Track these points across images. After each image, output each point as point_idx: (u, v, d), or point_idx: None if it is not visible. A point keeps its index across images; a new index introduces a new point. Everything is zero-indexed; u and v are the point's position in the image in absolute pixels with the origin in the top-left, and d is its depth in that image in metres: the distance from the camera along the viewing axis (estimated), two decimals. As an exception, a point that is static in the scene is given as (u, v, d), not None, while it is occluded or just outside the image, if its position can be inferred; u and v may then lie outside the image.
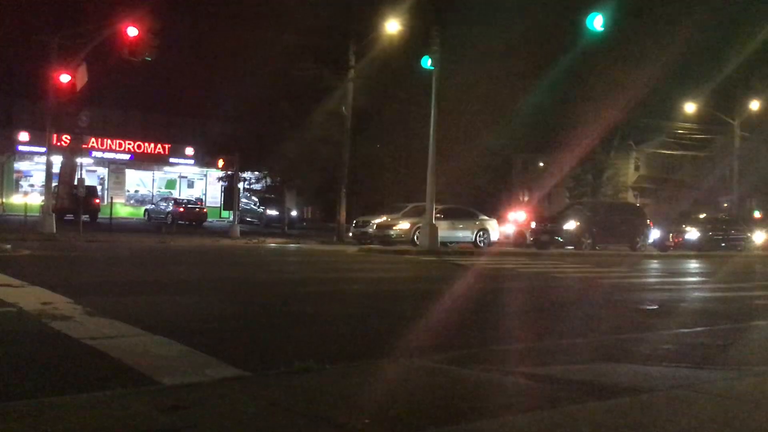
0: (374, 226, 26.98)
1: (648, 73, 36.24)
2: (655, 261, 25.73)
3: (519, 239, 30.47)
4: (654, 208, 48.31)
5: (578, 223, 28.40)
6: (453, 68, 28.77)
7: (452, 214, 27.21)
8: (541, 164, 59.47)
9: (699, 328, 8.62)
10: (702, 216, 36.75)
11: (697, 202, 46.45)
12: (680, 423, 4.18)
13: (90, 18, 24.43)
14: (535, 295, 12.80)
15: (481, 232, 28.14)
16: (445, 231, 26.25)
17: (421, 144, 27.24)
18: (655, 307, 11.31)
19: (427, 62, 25.25)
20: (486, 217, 29.08)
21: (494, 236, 28.59)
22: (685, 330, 8.50)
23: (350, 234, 29.11)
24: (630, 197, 52.68)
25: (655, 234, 31.75)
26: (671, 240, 31.98)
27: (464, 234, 27.82)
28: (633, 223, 30.41)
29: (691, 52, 38.64)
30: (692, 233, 32.58)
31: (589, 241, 28.11)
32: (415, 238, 25.86)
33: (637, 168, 56.37)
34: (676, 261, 26.16)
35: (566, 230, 28.28)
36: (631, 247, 29.46)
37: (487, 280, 15.21)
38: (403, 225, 26.32)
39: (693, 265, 24.36)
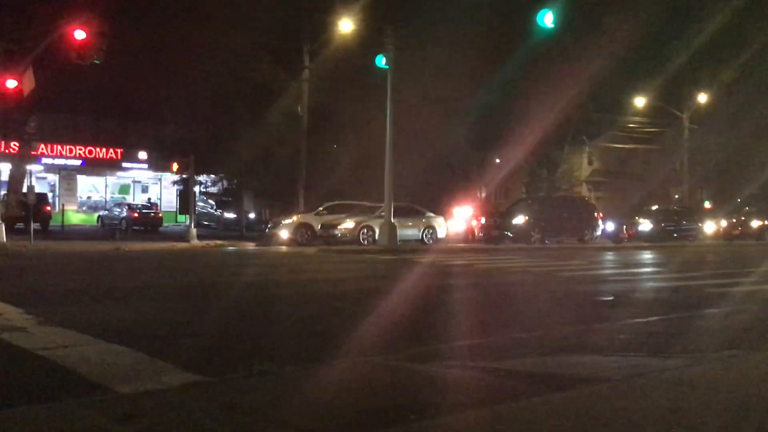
0: (284, 226, 26.77)
1: (599, 68, 36.83)
2: (609, 253, 26.17)
3: (468, 235, 30.52)
4: (608, 202, 49.17)
5: (526, 218, 28.73)
6: (408, 67, 28.84)
7: (399, 213, 26.89)
8: (498, 160, 60.03)
9: (653, 318, 8.80)
10: (654, 208, 37.55)
11: (649, 195, 47.35)
12: (636, 411, 4.25)
13: (36, 21, 23.76)
14: (493, 291, 12.90)
15: (428, 230, 27.92)
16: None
17: (378, 143, 27.26)
18: (610, 299, 11.50)
19: (381, 61, 25.29)
20: (432, 215, 28.85)
21: (441, 233, 28.31)
22: (640, 320, 8.67)
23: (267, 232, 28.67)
24: (585, 191, 53.47)
25: (608, 226, 32.30)
26: (624, 232, 32.58)
27: (412, 232, 27.62)
28: (581, 216, 30.87)
29: (640, 45, 39.44)
30: (645, 225, 33.27)
31: (537, 235, 28.44)
32: (361, 237, 25.80)
33: (590, 162, 57.22)
34: (629, 252, 26.65)
35: (515, 225, 28.60)
36: (580, 240, 29.86)
37: (444, 277, 15.28)
38: (348, 224, 26.13)
39: (646, 256, 24.85)
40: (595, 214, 31.74)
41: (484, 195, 61.62)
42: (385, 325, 8.18)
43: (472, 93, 36.42)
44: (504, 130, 39.29)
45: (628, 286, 13.61)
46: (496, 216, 30.76)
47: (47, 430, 3.78)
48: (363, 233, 25.92)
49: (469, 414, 4.09)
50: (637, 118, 46.95)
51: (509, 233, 28.58)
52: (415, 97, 31.70)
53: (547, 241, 28.74)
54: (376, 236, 25.77)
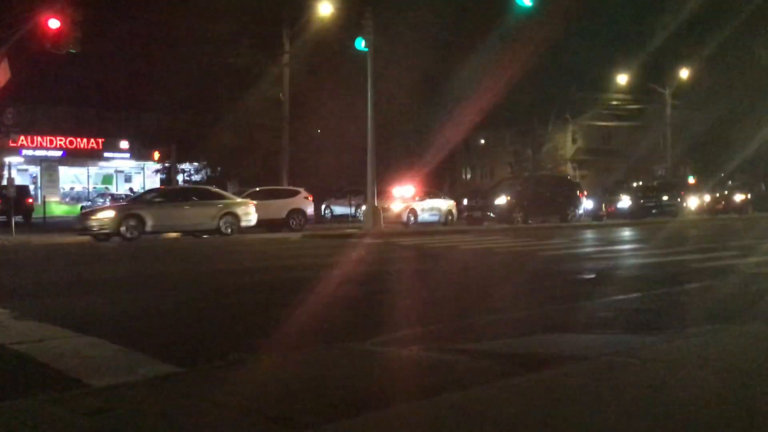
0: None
1: (581, 45, 36.81)
2: (590, 231, 26.22)
3: (407, 216, 28.73)
4: (593, 180, 49.35)
5: (508, 198, 28.73)
6: (388, 49, 28.70)
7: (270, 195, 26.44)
8: (482, 141, 60.08)
9: (634, 295, 8.81)
10: (634, 184, 37.70)
11: (633, 172, 47.59)
12: (614, 388, 4.23)
13: (9, 10, 23.39)
14: (475, 272, 12.90)
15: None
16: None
17: (360, 126, 27.13)
18: (592, 276, 11.53)
19: (361, 44, 25.10)
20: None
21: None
22: (621, 297, 8.68)
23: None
24: (569, 170, 53.67)
25: (588, 204, 32.35)
26: (604, 209, 32.68)
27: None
28: (564, 195, 30.89)
29: (622, 22, 39.45)
30: (624, 201, 33.38)
31: (520, 215, 28.48)
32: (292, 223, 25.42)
33: (574, 141, 57.41)
34: (610, 230, 26.73)
35: (497, 205, 28.61)
36: (562, 219, 29.89)
37: (429, 259, 15.27)
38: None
39: (627, 233, 24.95)
40: (578, 192, 31.78)
41: (468, 177, 61.60)
42: (364, 309, 8.15)
43: (452, 73, 36.30)
44: (488, 109, 39.26)
45: (609, 264, 13.66)
46: (478, 196, 30.80)
47: (12, 426, 3.71)
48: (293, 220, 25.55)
49: (442, 397, 4.06)
50: (620, 96, 47.06)
51: (492, 214, 28.61)
52: (396, 80, 31.57)
53: (530, 221, 28.79)
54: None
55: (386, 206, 27.63)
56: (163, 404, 4.11)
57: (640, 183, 39.24)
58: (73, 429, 3.63)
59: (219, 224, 22.29)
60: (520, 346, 5.66)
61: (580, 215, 31.15)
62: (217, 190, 25.33)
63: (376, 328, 6.68)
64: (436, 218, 29.77)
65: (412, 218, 28.86)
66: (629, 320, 6.92)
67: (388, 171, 31.87)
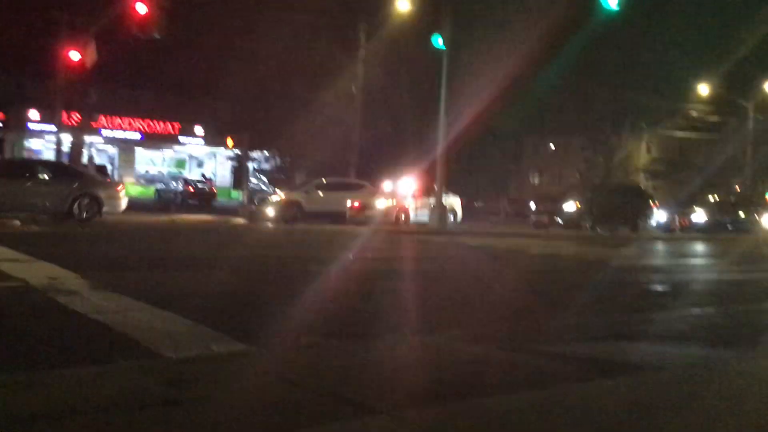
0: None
1: (662, 54, 35.86)
2: (662, 243, 25.52)
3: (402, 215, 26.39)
4: (666, 191, 48.00)
5: (578, 204, 28.15)
6: (464, 47, 28.54)
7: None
8: (552, 146, 59.23)
9: (710, 309, 8.52)
10: (710, 198, 36.47)
11: (709, 185, 46.05)
12: (695, 399, 4.10)
13: (99, -5, 24.24)
14: (543, 276, 12.71)
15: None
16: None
17: (431, 124, 27.06)
18: (665, 288, 11.21)
19: (437, 41, 25.03)
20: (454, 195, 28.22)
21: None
22: (696, 311, 8.40)
23: None
24: (642, 180, 52.36)
25: (661, 216, 31.49)
26: (677, 222, 31.76)
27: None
28: (635, 204, 30.06)
29: (706, 32, 38.24)
30: (699, 215, 32.34)
31: (589, 222, 27.89)
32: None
33: (649, 150, 55.97)
34: (683, 243, 25.94)
35: (565, 211, 28.05)
36: (633, 229, 29.16)
37: (495, 260, 15.13)
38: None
39: (700, 247, 24.16)
40: (650, 202, 30.98)
41: (536, 180, 60.81)
42: (442, 306, 8.13)
43: (529, 76, 35.84)
44: (561, 115, 38.67)
45: (682, 277, 13.25)
46: (547, 201, 30.30)
47: (99, 390, 3.83)
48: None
49: (510, 397, 4.01)
50: (699, 107, 45.62)
51: (559, 219, 28.12)
52: (470, 78, 31.36)
53: (598, 229, 28.21)
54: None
55: (370, 203, 25.44)
56: (239, 380, 4.18)
57: (716, 197, 37.93)
58: (155, 397, 3.72)
59: (73, 207, 19.21)
60: (593, 352, 5.54)
61: (651, 226, 30.35)
62: (75, 167, 22.64)
63: (447, 324, 6.66)
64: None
65: (403, 217, 26.17)
66: (706, 334, 6.68)
67: (453, 170, 31.66)
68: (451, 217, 26.67)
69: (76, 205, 19.17)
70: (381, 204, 25.52)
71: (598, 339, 6.19)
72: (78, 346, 5.42)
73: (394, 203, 25.95)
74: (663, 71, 39.18)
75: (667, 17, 37.24)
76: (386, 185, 27.29)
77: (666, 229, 31.18)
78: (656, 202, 31.80)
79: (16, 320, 6.28)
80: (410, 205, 26.52)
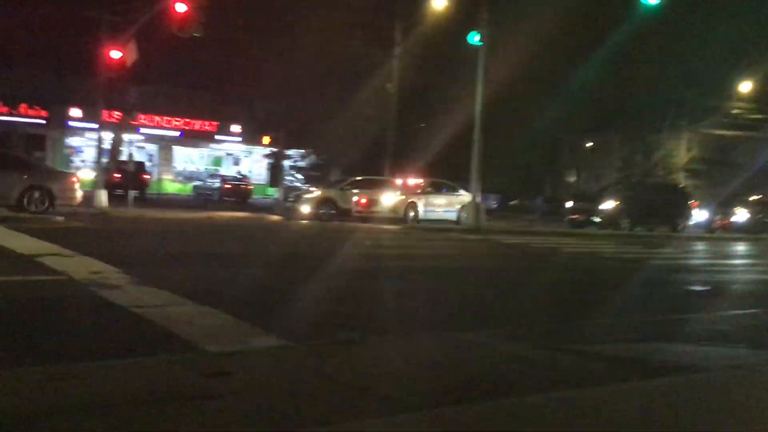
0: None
1: (703, 50, 35.16)
2: (702, 243, 25.09)
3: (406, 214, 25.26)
4: (706, 191, 47.07)
5: (616, 203, 27.79)
6: (501, 44, 28.29)
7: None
8: (589, 144, 58.48)
9: (754, 310, 8.35)
10: (752, 198, 35.69)
11: (750, 184, 45.05)
12: (738, 401, 4.02)
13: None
14: (581, 275, 12.58)
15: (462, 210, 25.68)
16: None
17: (467, 122, 26.90)
18: (706, 289, 11.01)
19: (474, 38, 24.88)
20: (465, 193, 26.38)
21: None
22: (740, 311, 8.24)
23: None
24: (681, 179, 51.45)
25: (701, 215, 30.98)
26: (718, 222, 31.21)
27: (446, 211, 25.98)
28: (675, 204, 29.58)
29: (749, 27, 37.37)
30: (740, 215, 31.72)
31: (627, 221, 27.52)
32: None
33: (689, 149, 54.92)
34: (724, 243, 25.48)
35: (603, 210, 27.70)
36: (672, 228, 28.71)
37: (532, 259, 15.03)
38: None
39: (742, 248, 23.71)
40: (690, 201, 30.47)
41: (573, 179, 60.16)
42: (480, 304, 8.10)
43: (566, 73, 35.46)
44: (598, 113, 38.19)
45: (724, 277, 13.01)
46: (583, 199, 29.96)
47: (141, 381, 3.90)
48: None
49: (548, 396, 3.97)
50: (743, 104, 44.62)
51: (597, 218, 27.79)
52: (507, 76, 31.13)
53: (636, 229, 27.82)
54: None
55: (375, 198, 24.88)
56: (277, 374, 4.22)
57: (759, 197, 37.10)
58: (198, 388, 3.77)
59: (22, 200, 18.13)
60: (632, 352, 5.47)
61: (691, 226, 29.86)
62: (27, 157, 21.61)
63: (485, 322, 6.64)
64: (451, 216, 26.08)
65: (411, 214, 25.20)
66: (749, 335, 6.55)
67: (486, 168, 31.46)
68: (464, 215, 25.89)
69: (26, 198, 18.16)
70: (390, 200, 25.18)
71: (637, 339, 6.12)
72: (119, 338, 5.52)
73: (406, 199, 25.42)
74: (704, 67, 38.37)
75: (709, 11, 36.46)
76: (399, 181, 26.99)
77: (706, 228, 30.66)
78: (696, 201, 31.27)
79: (60, 313, 6.42)
80: (421, 201, 25.87)
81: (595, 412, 3.73)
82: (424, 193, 26.23)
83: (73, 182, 19.51)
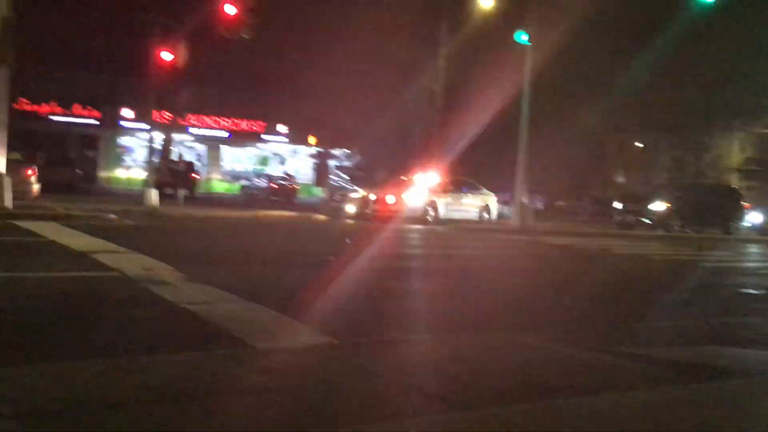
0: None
1: (758, 49, 34.23)
2: (755, 246, 24.44)
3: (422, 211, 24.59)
4: (761, 192, 45.87)
5: (667, 204, 27.26)
6: (548, 44, 28.01)
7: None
8: (639, 144, 57.45)
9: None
10: None
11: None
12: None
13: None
14: (633, 276, 12.39)
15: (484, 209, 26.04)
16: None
17: (514, 122, 26.72)
18: (760, 291, 10.74)
19: (521, 37, 24.70)
20: (489, 192, 26.70)
21: (494, 213, 26.51)
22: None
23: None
24: (735, 180, 50.20)
25: (754, 218, 30.21)
26: None
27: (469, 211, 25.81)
28: (727, 205, 28.90)
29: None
30: None
31: (677, 223, 26.98)
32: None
33: (743, 149, 53.54)
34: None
35: (653, 211, 27.19)
36: (724, 230, 28.04)
37: (582, 261, 14.85)
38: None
39: (799, 250, 23.03)
40: (742, 203, 29.72)
41: (621, 179, 59.23)
42: (532, 305, 8.05)
43: (615, 73, 34.90)
44: (648, 112, 37.49)
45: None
46: (633, 200, 29.46)
47: (193, 374, 3.99)
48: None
49: (601, 398, 3.93)
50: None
51: (647, 219, 27.31)
52: (554, 76, 30.81)
53: (687, 230, 27.26)
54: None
55: (394, 195, 24.54)
56: (325, 371, 4.27)
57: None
58: (248, 383, 3.84)
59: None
60: (683, 355, 5.38)
61: (744, 228, 29.14)
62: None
63: (537, 323, 6.60)
64: (472, 215, 25.94)
65: (432, 213, 24.69)
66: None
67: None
68: (486, 215, 25.96)
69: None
70: (413, 200, 24.70)
71: (689, 342, 6.01)
72: (172, 334, 5.64)
73: (428, 198, 24.97)
74: (759, 66, 37.34)
75: (763, 9, 35.45)
76: (418, 180, 26.71)
77: (760, 231, 29.89)
78: (749, 203, 30.50)
79: (114, 308, 6.58)
80: (444, 200, 25.48)
81: (647, 414, 3.68)
82: (447, 191, 25.88)
83: (28, 176, 18.51)
